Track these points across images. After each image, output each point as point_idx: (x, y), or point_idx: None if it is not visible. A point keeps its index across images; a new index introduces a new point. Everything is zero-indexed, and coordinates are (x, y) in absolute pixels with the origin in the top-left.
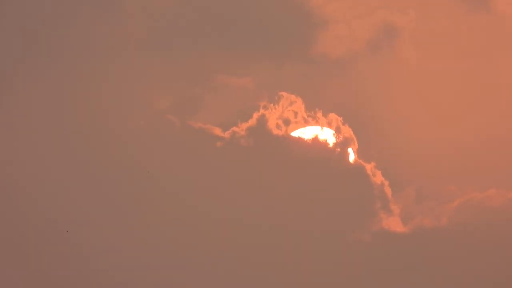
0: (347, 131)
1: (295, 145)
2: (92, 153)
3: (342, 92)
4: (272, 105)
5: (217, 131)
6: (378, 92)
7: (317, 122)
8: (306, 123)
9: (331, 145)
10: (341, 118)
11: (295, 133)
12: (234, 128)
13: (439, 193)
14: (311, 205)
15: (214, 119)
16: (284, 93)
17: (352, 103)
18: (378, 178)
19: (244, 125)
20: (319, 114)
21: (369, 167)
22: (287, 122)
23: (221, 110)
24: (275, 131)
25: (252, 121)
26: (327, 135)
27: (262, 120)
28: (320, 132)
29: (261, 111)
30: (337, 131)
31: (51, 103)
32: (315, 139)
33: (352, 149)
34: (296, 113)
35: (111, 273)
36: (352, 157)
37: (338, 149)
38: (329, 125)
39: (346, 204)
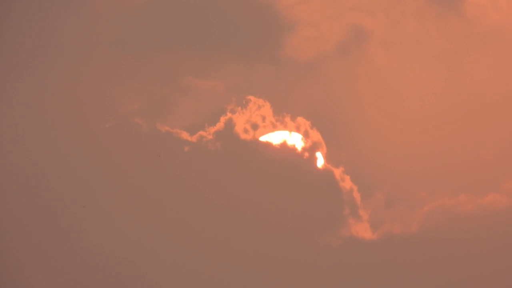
0: (316, 135)
1: (263, 149)
2: (53, 157)
3: (311, 95)
4: (240, 109)
5: (185, 135)
6: (347, 95)
7: (285, 127)
8: (274, 127)
9: (299, 149)
10: (310, 122)
11: (263, 138)
12: (202, 132)
13: (409, 198)
14: (279, 210)
15: (181, 122)
16: (252, 97)
17: (320, 107)
18: (347, 183)
19: (212, 129)
20: (287, 119)
21: (337, 172)
22: (255, 127)
23: (189, 113)
24: (243, 136)
25: (220, 125)
26: (296, 140)
27: (230, 124)
28: (288, 137)
29: (229, 115)
30: (305, 135)
31: (13, 104)
32: (283, 143)
33: (321, 153)
34: (264, 118)
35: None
36: (320, 161)
37: (307, 154)
38: (297, 129)
39: (315, 210)
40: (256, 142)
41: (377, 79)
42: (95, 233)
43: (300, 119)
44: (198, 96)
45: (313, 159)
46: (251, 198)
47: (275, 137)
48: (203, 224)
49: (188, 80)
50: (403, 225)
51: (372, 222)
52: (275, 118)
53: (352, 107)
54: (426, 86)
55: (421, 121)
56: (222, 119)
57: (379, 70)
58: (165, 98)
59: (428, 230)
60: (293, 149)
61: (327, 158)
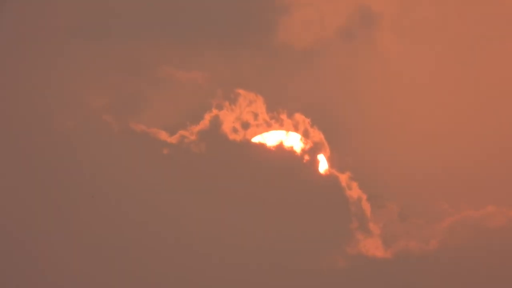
0: (317, 135)
1: (255, 152)
2: (13, 158)
3: (310, 88)
4: (227, 104)
5: (163, 135)
6: (353, 88)
7: (281, 125)
8: (268, 126)
9: (298, 152)
10: (309, 119)
11: (255, 139)
12: (183, 132)
13: (428, 210)
14: (275, 225)
15: (159, 121)
16: (241, 91)
17: (322, 101)
18: (355, 191)
19: (195, 128)
20: (284, 116)
21: (343, 178)
22: (245, 125)
23: (168, 110)
24: (232, 136)
25: (204, 124)
26: (294, 141)
27: (216, 123)
28: (285, 137)
29: (215, 111)
30: (305, 135)
31: None
32: (279, 145)
33: (323, 156)
34: (256, 115)
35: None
36: (323, 166)
37: (307, 157)
38: (296, 128)
39: (316, 223)
40: (247, 144)
41: (388, 70)
42: (49, 246)
43: (298, 116)
44: (178, 90)
45: (314, 163)
46: (241, 210)
47: (269, 138)
48: (184, 246)
49: (165, 71)
50: (421, 241)
51: (385, 238)
52: (269, 115)
53: (359, 102)
54: (445, 79)
55: (441, 119)
56: (207, 117)
57: (390, 60)
58: (139, 92)
59: (450, 247)
60: (290, 152)
61: (330, 161)
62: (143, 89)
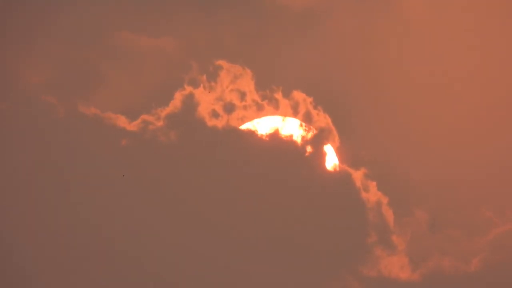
0: (322, 119)
1: (243, 144)
2: None
3: (312, 59)
4: (205, 79)
5: (121, 121)
6: (367, 59)
7: (275, 108)
8: (259, 109)
9: (298, 142)
10: (312, 98)
11: (243, 126)
12: (146, 117)
13: (467, 219)
14: (270, 238)
15: (116, 102)
16: (223, 62)
17: (327, 76)
18: (373, 193)
19: (162, 112)
20: (278, 95)
21: (357, 176)
22: (229, 108)
23: (127, 88)
24: (211, 122)
25: (175, 105)
26: (292, 128)
27: (190, 104)
28: (281, 123)
29: (188, 89)
30: (307, 120)
31: None
32: (274, 134)
33: (332, 147)
34: (242, 94)
35: None
36: (331, 160)
37: (310, 149)
38: (294, 111)
39: (323, 236)
40: (231, 132)
41: (410, 35)
42: None
43: (297, 95)
44: (140, 62)
45: (319, 156)
46: (225, 219)
47: (260, 124)
48: (153, 263)
49: (123, 37)
50: (458, 260)
51: (412, 255)
52: (259, 94)
53: (374, 76)
54: (485, 50)
55: (484, 105)
56: (178, 96)
57: (411, 22)
58: (89, 65)
59: (495, 268)
60: (288, 142)
61: (340, 154)
62: (94, 61)
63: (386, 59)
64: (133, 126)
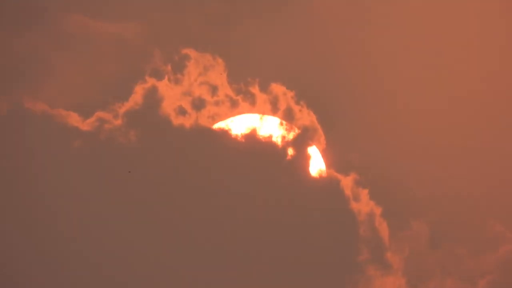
0: (306, 116)
1: (214, 146)
2: None
3: (294, 46)
4: (170, 70)
5: (73, 118)
6: (356, 46)
7: (251, 104)
8: (233, 105)
9: (278, 144)
10: (294, 92)
11: (216, 125)
12: (102, 114)
13: (474, 234)
14: (244, 258)
15: (66, 97)
16: (191, 51)
17: (312, 66)
18: (364, 203)
19: (120, 108)
20: (255, 88)
21: (346, 182)
22: (198, 104)
23: (79, 80)
24: (177, 120)
25: (135, 100)
26: (271, 127)
27: (153, 99)
28: (258, 122)
29: (150, 81)
30: (288, 117)
31: None
32: (251, 135)
33: (317, 149)
34: (214, 88)
35: None
36: (316, 164)
37: (291, 151)
38: (273, 107)
39: (308, 254)
40: (201, 133)
41: (407, 17)
42: None
43: (276, 88)
44: (94, 49)
45: (302, 160)
46: (191, 239)
47: (235, 123)
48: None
49: (74, 21)
50: (463, 280)
51: (410, 275)
52: (233, 87)
53: (367, 65)
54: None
55: (494, 104)
56: (138, 90)
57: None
58: (35, 53)
59: None
60: (267, 144)
61: (327, 157)
62: (41, 50)
63: (380, 43)
64: (86, 125)
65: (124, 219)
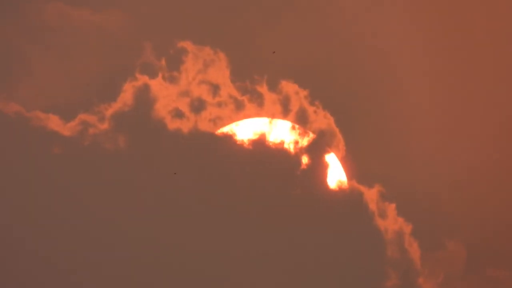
0: (322, 118)
1: (217, 154)
2: None
3: (306, 38)
4: (163, 66)
5: (53, 122)
6: (379, 36)
7: (259, 105)
8: (238, 107)
9: (291, 151)
10: (307, 91)
11: (220, 131)
12: (85, 116)
13: None
14: (256, 285)
15: (44, 97)
16: (188, 44)
17: (326, 60)
18: (392, 220)
19: (107, 110)
20: (262, 87)
21: (370, 195)
22: (197, 105)
23: (59, 78)
24: (173, 124)
25: (124, 101)
26: (282, 131)
27: (145, 100)
28: (267, 127)
29: (141, 79)
30: (301, 120)
31: None
32: (259, 141)
33: (335, 157)
34: (215, 87)
35: None
36: (335, 174)
37: (306, 159)
38: (284, 108)
39: (328, 279)
40: (201, 139)
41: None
42: None
43: (287, 87)
44: (76, 42)
45: (319, 170)
46: (191, 260)
47: (240, 128)
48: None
49: (53, 10)
50: None
51: None
52: (237, 86)
53: (392, 58)
54: None
55: None
56: (128, 89)
57: None
58: (8, 47)
59: None
60: (278, 152)
61: (347, 166)
62: (16, 43)
63: (407, 33)
64: (68, 129)
65: (109, 239)
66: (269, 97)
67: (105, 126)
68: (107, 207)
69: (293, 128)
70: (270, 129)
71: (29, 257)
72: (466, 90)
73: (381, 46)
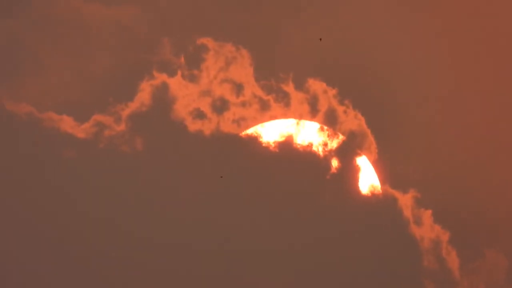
0: (352, 119)
1: (241, 158)
2: None
3: (334, 33)
4: (183, 64)
5: (66, 123)
6: (414, 30)
7: (286, 105)
8: (262, 108)
9: (320, 153)
10: (336, 89)
11: (246, 132)
12: (100, 117)
13: None
14: None
15: (57, 97)
16: (209, 40)
17: (357, 56)
18: (428, 227)
19: (123, 110)
20: (288, 86)
21: (405, 201)
22: (220, 106)
23: (72, 77)
24: (194, 126)
25: (141, 101)
26: (310, 133)
27: (163, 100)
28: (294, 128)
29: (160, 77)
30: (330, 121)
31: None
32: (285, 144)
33: (367, 160)
34: (238, 86)
35: None
36: (367, 179)
37: (336, 163)
38: (312, 108)
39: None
40: (224, 142)
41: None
42: None
43: (315, 85)
44: (90, 39)
45: (350, 174)
46: (218, 271)
47: (266, 130)
48: None
49: (66, 4)
50: None
51: None
52: (261, 84)
53: (429, 54)
54: None
55: None
56: (145, 88)
57: None
58: (18, 43)
59: None
60: (306, 155)
61: (380, 170)
62: (26, 40)
63: (445, 24)
64: (82, 131)
65: (127, 248)
66: (296, 96)
67: (121, 127)
68: (124, 213)
69: (322, 129)
70: (297, 130)
71: (38, 271)
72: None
73: (417, 40)
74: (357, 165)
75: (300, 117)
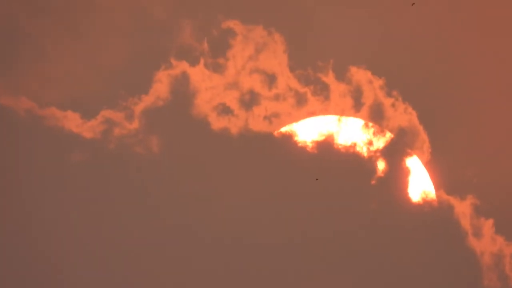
0: (401, 114)
1: (273, 160)
2: None
3: (380, 15)
4: (207, 51)
5: (73, 121)
6: (475, 12)
7: (325, 98)
8: (299, 102)
9: (364, 154)
10: (383, 79)
11: (279, 130)
12: (111, 113)
13: None
14: None
15: (61, 91)
16: (236, 23)
17: (407, 42)
18: (489, 239)
19: (137, 105)
20: (328, 76)
21: (463, 208)
22: (249, 100)
23: (78, 67)
24: (218, 123)
25: (157, 94)
26: (353, 130)
27: (183, 93)
28: (335, 125)
29: (179, 66)
30: (375, 116)
31: None
32: (325, 144)
33: (419, 161)
34: (270, 77)
35: None
36: (418, 183)
37: (382, 164)
38: (356, 102)
39: None
40: (254, 142)
41: None
42: None
43: (358, 74)
44: (98, 23)
45: (399, 177)
46: (247, 278)
47: (302, 128)
48: None
49: None
50: None
51: None
52: (296, 74)
53: (490, 38)
54: None
55: None
56: (162, 78)
57: None
58: (17, 30)
59: None
60: (349, 156)
61: (434, 173)
62: (24, 25)
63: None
64: (89, 130)
65: (142, 259)
66: (337, 88)
67: (134, 125)
68: (137, 226)
69: (367, 126)
70: (339, 128)
71: (45, 275)
72: None
73: (479, 23)
74: (407, 168)
75: (341, 112)
